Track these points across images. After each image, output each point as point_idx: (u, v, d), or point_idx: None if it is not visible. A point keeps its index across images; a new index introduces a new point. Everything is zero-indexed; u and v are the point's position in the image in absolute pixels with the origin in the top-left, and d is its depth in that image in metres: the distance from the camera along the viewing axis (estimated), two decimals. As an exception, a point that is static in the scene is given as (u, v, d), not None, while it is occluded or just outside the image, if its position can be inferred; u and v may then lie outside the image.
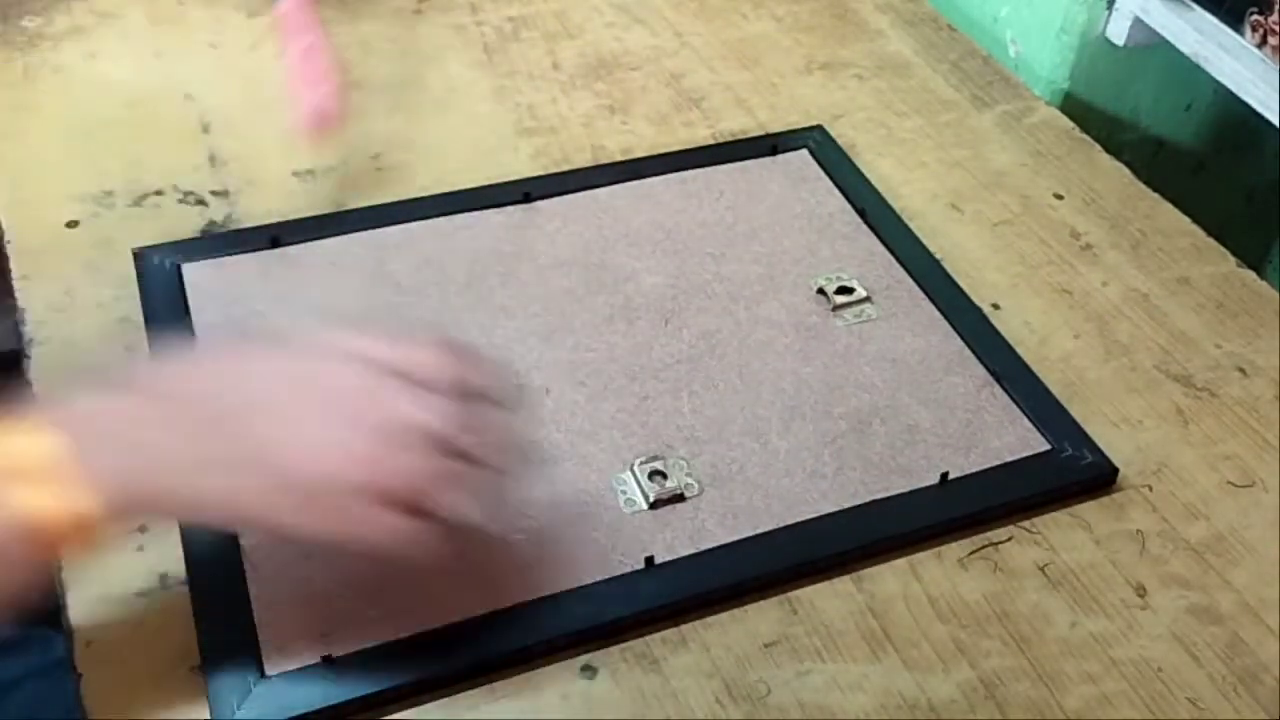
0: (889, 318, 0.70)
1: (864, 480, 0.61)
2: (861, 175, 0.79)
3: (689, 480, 0.60)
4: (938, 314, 0.70)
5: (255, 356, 0.49)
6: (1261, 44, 0.81)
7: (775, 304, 0.70)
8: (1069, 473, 0.62)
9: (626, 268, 0.72)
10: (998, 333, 0.69)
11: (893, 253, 0.74)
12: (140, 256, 0.70)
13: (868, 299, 0.70)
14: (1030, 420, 0.64)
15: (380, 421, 0.47)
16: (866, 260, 0.73)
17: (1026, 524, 0.60)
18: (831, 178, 0.79)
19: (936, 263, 0.73)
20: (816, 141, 0.82)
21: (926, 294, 0.71)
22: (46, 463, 0.44)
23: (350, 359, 0.48)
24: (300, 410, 0.47)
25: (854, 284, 0.71)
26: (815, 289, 0.71)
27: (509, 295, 0.69)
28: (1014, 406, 0.65)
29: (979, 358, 0.67)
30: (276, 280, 0.69)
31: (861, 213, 0.76)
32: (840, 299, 0.70)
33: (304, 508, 0.46)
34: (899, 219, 0.76)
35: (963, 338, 0.68)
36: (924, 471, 0.61)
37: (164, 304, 0.67)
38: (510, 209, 0.75)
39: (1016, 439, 0.63)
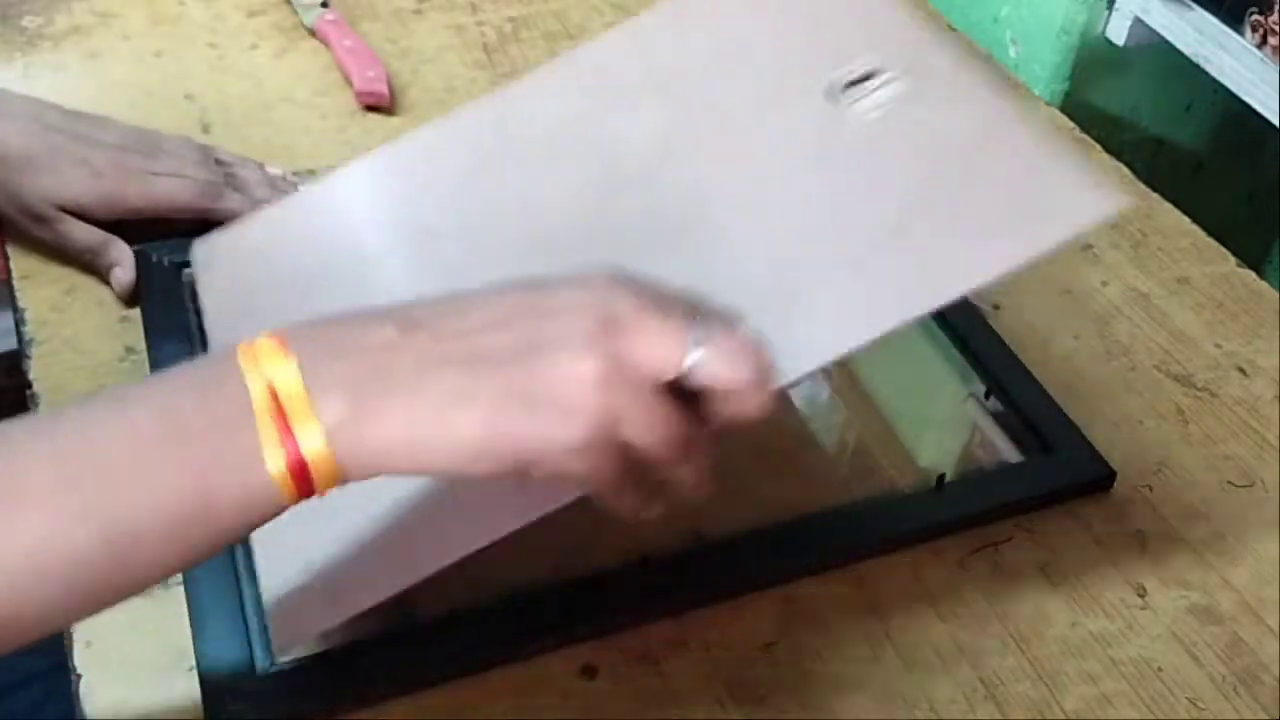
0: (920, 97, 0.55)
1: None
2: None
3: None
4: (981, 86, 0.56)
5: (521, 293, 0.45)
6: (1261, 44, 0.81)
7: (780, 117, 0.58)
8: (1067, 477, 0.62)
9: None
10: (996, 335, 0.69)
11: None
12: (140, 255, 0.70)
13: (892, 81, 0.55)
14: (1028, 424, 0.64)
15: (646, 353, 0.43)
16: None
17: (1027, 524, 0.60)
18: None
19: None
20: None
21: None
22: (298, 388, 0.41)
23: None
24: (573, 336, 0.43)
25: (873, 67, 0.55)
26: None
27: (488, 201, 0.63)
28: (1012, 410, 0.65)
29: (978, 361, 0.67)
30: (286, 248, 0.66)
31: None
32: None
33: (566, 446, 0.42)
34: None
35: (961, 341, 0.69)
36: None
37: (164, 303, 0.67)
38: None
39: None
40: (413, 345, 0.42)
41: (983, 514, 0.60)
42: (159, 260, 0.70)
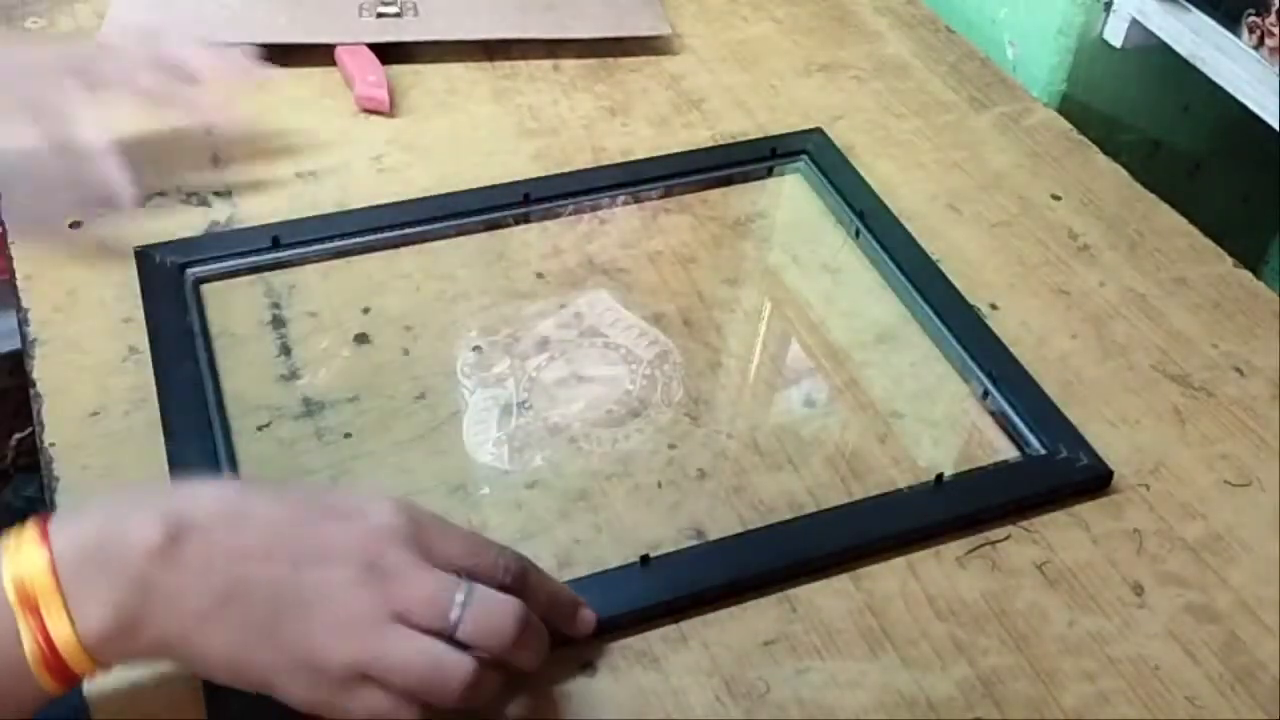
0: None
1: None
2: (861, 180, 0.80)
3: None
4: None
5: (299, 517, 0.47)
6: (1259, 45, 0.81)
7: None
8: (1064, 476, 0.62)
9: None
10: (994, 335, 0.69)
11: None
12: (141, 256, 0.70)
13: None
14: (1026, 423, 0.64)
15: (410, 610, 0.46)
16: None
17: (1024, 523, 0.61)
18: (831, 182, 0.80)
19: (933, 264, 0.73)
20: (815, 145, 0.82)
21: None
22: (48, 583, 0.43)
23: (394, 536, 0.47)
24: (332, 589, 0.45)
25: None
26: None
27: None
28: (1010, 409, 0.65)
29: (976, 361, 0.68)
30: None
31: (861, 215, 0.77)
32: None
33: (310, 685, 0.45)
34: (899, 224, 0.76)
35: (960, 341, 0.69)
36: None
37: (165, 304, 0.68)
38: None
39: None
40: (178, 559, 0.44)
41: (981, 512, 0.60)
42: (161, 260, 0.70)
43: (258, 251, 0.72)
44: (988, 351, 0.68)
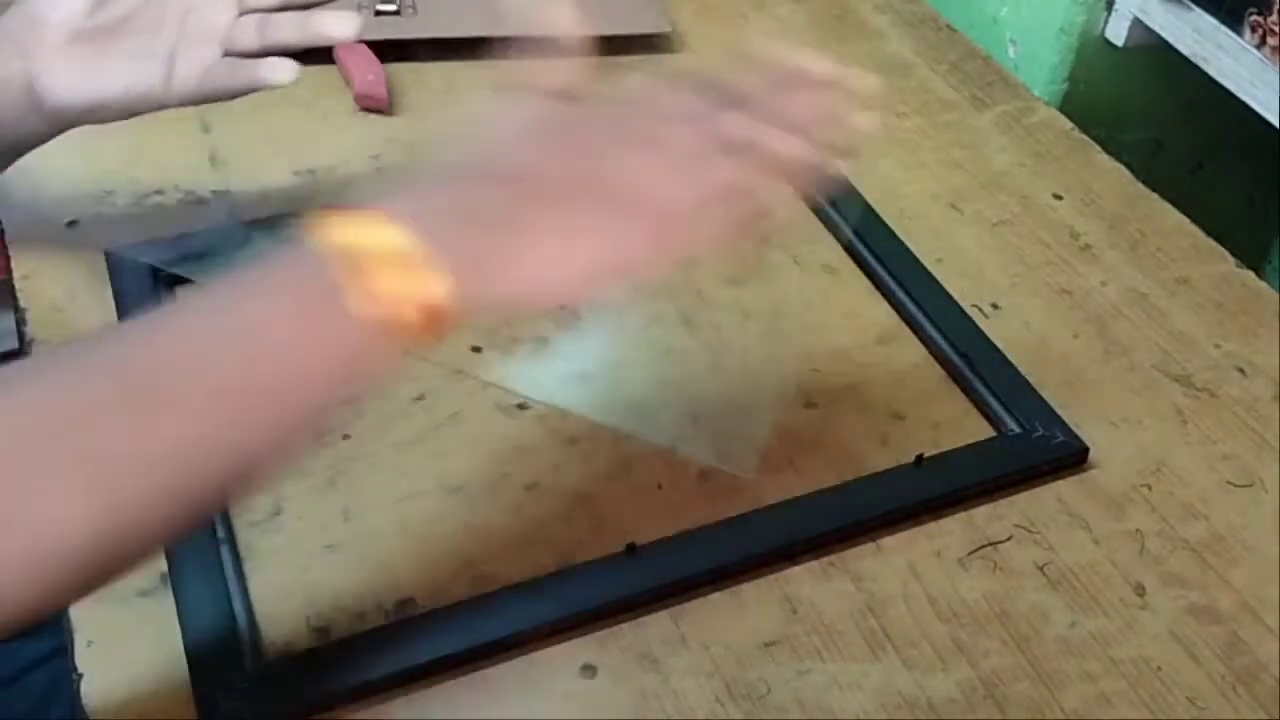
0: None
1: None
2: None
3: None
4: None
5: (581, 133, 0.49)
6: (1261, 44, 0.81)
7: None
8: (1041, 453, 0.62)
9: None
10: (967, 316, 0.70)
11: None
12: (112, 258, 0.69)
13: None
14: (1002, 404, 0.65)
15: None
16: None
17: (1025, 524, 0.60)
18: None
19: (913, 255, 0.74)
20: None
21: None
22: (396, 250, 0.41)
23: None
24: (640, 160, 0.48)
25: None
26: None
27: None
28: (985, 390, 0.66)
29: (949, 342, 0.68)
30: None
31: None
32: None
33: (663, 241, 0.46)
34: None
35: (932, 321, 0.69)
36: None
37: (139, 307, 0.66)
38: None
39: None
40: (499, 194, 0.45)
41: (961, 490, 0.61)
42: (132, 262, 0.69)
43: (232, 248, 0.70)
44: (963, 334, 0.68)
